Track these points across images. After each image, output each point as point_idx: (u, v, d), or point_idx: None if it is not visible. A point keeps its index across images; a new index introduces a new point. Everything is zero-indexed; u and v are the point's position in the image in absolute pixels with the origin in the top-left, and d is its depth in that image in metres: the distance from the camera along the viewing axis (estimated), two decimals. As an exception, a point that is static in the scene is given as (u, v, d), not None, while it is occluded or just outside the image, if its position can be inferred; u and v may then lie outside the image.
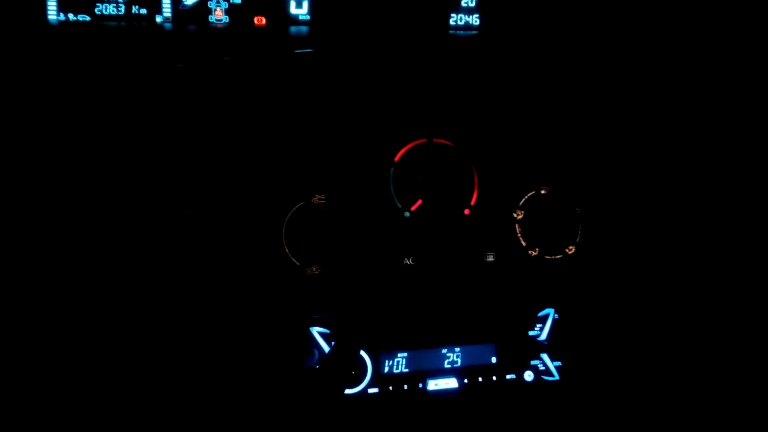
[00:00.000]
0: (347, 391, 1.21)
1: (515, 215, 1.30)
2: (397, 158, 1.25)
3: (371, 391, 1.23)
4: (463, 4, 1.47)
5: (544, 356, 1.30)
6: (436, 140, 1.26)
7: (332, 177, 1.23)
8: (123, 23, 1.38)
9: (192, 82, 1.24)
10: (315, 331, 1.21)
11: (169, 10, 1.38)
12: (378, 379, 1.23)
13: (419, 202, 1.25)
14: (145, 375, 1.20)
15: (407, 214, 1.25)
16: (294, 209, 1.20)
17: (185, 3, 1.39)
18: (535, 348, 1.30)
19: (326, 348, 1.21)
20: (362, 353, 1.21)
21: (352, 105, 1.27)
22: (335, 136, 1.24)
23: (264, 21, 1.41)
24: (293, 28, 1.40)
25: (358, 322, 1.22)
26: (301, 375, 1.22)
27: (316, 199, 1.22)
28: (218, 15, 1.40)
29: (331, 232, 1.21)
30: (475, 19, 1.48)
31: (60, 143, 1.20)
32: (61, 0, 1.35)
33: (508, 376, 1.29)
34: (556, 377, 1.30)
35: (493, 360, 1.28)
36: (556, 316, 1.31)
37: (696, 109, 1.33)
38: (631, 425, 1.32)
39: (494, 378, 1.28)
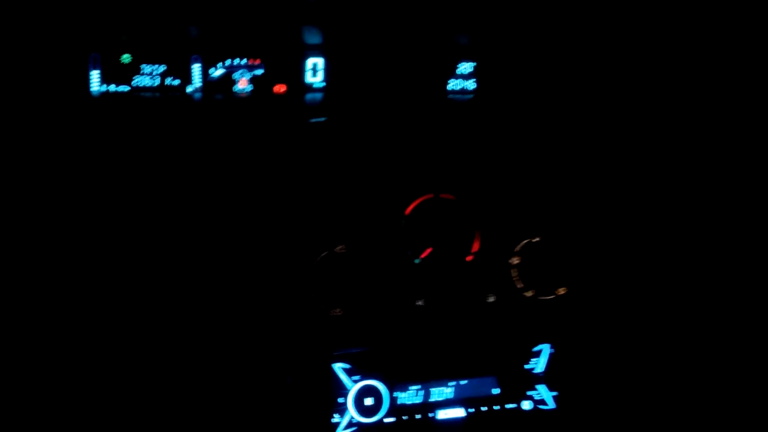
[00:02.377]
0: (365, 420, 1.28)
1: (512, 261, 1.38)
2: (407, 212, 1.33)
3: (387, 420, 1.30)
4: (458, 72, 1.56)
5: (541, 387, 1.37)
6: (441, 195, 1.34)
7: (352, 229, 1.31)
8: (158, 94, 1.44)
9: (221, 147, 1.32)
10: (337, 366, 1.29)
11: (199, 81, 1.45)
12: (393, 409, 1.30)
13: (428, 250, 1.33)
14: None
15: (417, 261, 1.33)
16: (319, 258, 1.28)
17: (212, 75, 1.46)
18: (533, 380, 1.37)
19: (349, 383, 1.28)
20: (379, 385, 1.28)
21: (366, 165, 1.35)
22: (354, 194, 1.33)
23: (284, 89, 1.49)
24: (309, 96, 1.49)
25: (377, 357, 1.30)
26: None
27: (338, 248, 1.29)
28: (242, 85, 1.47)
29: (352, 278, 1.29)
30: (471, 84, 1.59)
31: (102, 200, 1.26)
32: (103, 73, 1.40)
33: (508, 406, 1.36)
34: (553, 406, 1.37)
35: (495, 391, 1.35)
36: (552, 350, 1.38)
37: (677, 163, 1.43)
38: None
39: (496, 407, 1.36)
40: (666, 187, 1.43)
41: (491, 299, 1.37)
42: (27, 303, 1.22)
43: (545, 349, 1.39)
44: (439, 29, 1.52)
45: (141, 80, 1.45)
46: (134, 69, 1.44)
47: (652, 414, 1.41)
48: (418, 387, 1.32)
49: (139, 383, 1.24)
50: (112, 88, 1.44)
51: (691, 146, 1.43)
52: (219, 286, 1.26)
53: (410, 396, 1.32)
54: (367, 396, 1.29)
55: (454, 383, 1.34)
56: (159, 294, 1.25)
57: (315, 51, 1.50)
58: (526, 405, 1.38)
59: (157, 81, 1.46)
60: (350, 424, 1.29)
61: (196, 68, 1.47)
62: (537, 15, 1.47)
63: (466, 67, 1.57)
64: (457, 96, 1.57)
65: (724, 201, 1.42)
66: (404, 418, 1.32)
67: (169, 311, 1.25)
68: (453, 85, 1.57)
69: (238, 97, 1.48)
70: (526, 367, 1.38)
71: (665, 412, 1.41)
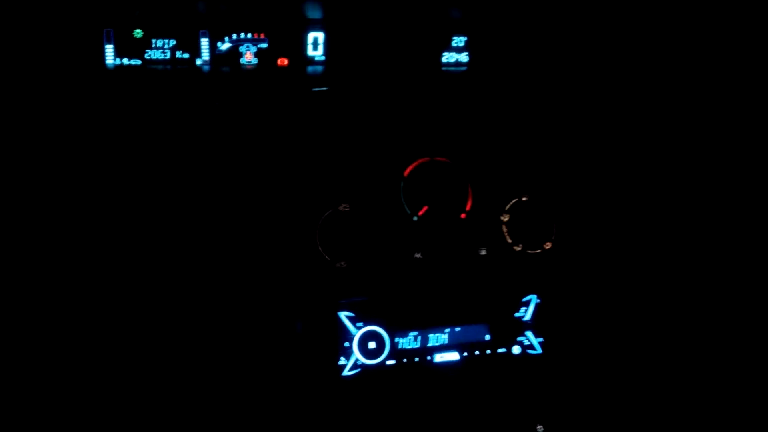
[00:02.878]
0: (369, 362, 1.38)
1: (502, 218, 1.45)
2: (406, 173, 1.41)
3: (389, 362, 1.40)
4: (453, 44, 1.62)
5: (529, 334, 1.47)
6: (437, 158, 1.42)
7: (355, 189, 1.39)
8: (168, 66, 1.49)
9: (230, 116, 1.38)
10: (343, 314, 1.39)
11: (207, 54, 1.50)
12: (394, 352, 1.40)
13: (425, 208, 1.41)
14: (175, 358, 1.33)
15: (415, 218, 1.41)
16: (325, 215, 1.37)
17: (220, 48, 1.50)
18: (521, 327, 1.47)
19: (353, 329, 1.38)
20: (381, 331, 1.38)
21: (366, 132, 1.42)
22: (356, 157, 1.40)
23: (286, 62, 1.55)
24: (310, 68, 1.53)
25: (378, 306, 1.40)
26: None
27: (342, 207, 1.37)
28: (248, 57, 1.52)
29: (355, 234, 1.37)
30: (464, 57, 1.68)
31: (114, 167, 1.32)
32: (117, 47, 1.46)
33: (500, 350, 1.46)
34: (539, 351, 1.48)
35: (487, 337, 1.45)
36: (538, 300, 1.47)
37: (662, 126, 1.50)
38: (601, 391, 1.48)
39: (488, 351, 1.45)
40: (648, 150, 1.50)
41: (483, 253, 1.45)
42: (35, 286, 1.28)
43: (532, 299, 1.48)
44: (433, 4, 1.56)
45: (153, 53, 1.50)
46: (146, 43, 1.49)
47: (630, 362, 1.51)
48: (417, 333, 1.41)
49: (158, 333, 1.32)
50: (126, 61, 1.50)
51: (677, 113, 1.50)
52: (235, 243, 1.34)
53: (409, 341, 1.41)
54: (371, 340, 1.39)
55: (449, 330, 1.43)
56: (178, 252, 1.33)
57: (316, 26, 1.55)
58: (516, 350, 1.47)
59: (168, 54, 1.51)
60: (355, 366, 1.39)
61: (205, 42, 1.52)
62: None
63: (458, 41, 1.63)
64: (452, 68, 1.62)
65: (704, 165, 1.50)
66: (404, 360, 1.41)
67: (189, 265, 1.33)
68: (447, 57, 1.62)
69: (244, 70, 1.53)
70: (516, 315, 1.47)
71: (642, 359, 1.51)
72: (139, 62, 1.50)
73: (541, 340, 1.48)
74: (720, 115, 1.50)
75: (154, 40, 1.50)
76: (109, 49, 1.47)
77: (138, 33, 1.49)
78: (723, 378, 1.49)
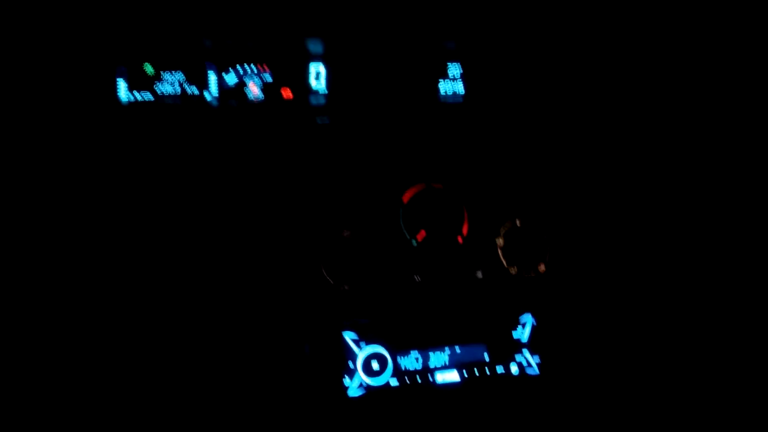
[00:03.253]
0: (372, 382, 1.42)
1: (497, 242, 1.51)
2: (404, 200, 1.46)
3: (392, 382, 1.44)
4: (449, 72, 1.67)
5: (526, 353, 1.51)
6: (434, 185, 1.47)
7: (356, 216, 1.44)
8: (178, 101, 1.56)
9: (238, 147, 1.44)
10: (347, 335, 1.43)
11: (216, 89, 1.56)
12: (397, 372, 1.44)
13: (423, 233, 1.46)
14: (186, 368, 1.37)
15: (414, 243, 1.46)
16: (328, 241, 1.42)
17: (228, 83, 1.58)
18: (518, 347, 1.50)
19: (357, 350, 1.43)
20: (383, 351, 1.43)
21: (366, 161, 1.47)
22: (357, 186, 1.45)
23: (291, 94, 1.62)
24: (313, 99, 1.59)
25: (381, 327, 1.43)
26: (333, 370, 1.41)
27: (345, 233, 1.42)
28: (254, 91, 1.60)
29: (357, 258, 1.43)
30: (460, 88, 1.72)
31: (129, 198, 1.38)
32: (129, 82, 1.53)
33: (499, 370, 1.49)
34: (536, 369, 1.51)
35: (486, 357, 1.49)
36: (534, 320, 1.51)
37: (641, 149, 1.56)
38: (596, 408, 1.51)
39: (487, 371, 1.49)
40: (639, 175, 1.56)
41: (480, 275, 1.50)
42: (62, 306, 1.33)
43: (528, 319, 1.52)
44: (428, 37, 1.64)
45: (163, 87, 1.57)
46: (156, 77, 1.57)
47: (623, 379, 1.54)
48: (418, 353, 1.46)
49: (170, 353, 1.37)
50: (138, 96, 1.56)
51: (665, 143, 1.56)
52: (244, 269, 1.39)
53: (411, 361, 1.45)
54: (374, 360, 1.43)
55: (449, 349, 1.47)
56: (191, 277, 1.38)
57: (317, 58, 1.62)
58: (514, 369, 1.51)
59: (179, 89, 1.57)
60: (360, 386, 1.43)
61: (212, 75, 1.59)
62: (518, 23, 1.61)
63: (453, 67, 1.69)
64: (448, 99, 1.69)
65: (689, 178, 1.55)
66: (407, 380, 1.45)
67: (201, 290, 1.38)
68: (444, 88, 1.69)
69: (250, 103, 1.60)
70: (513, 335, 1.51)
71: (634, 376, 1.54)
72: (150, 97, 1.56)
73: (537, 359, 1.52)
74: (708, 142, 1.57)
75: (163, 73, 1.57)
76: (122, 84, 1.54)
77: (148, 67, 1.55)
78: (719, 394, 1.52)
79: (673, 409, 1.52)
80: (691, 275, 1.56)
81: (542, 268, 1.53)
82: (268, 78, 1.61)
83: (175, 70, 1.58)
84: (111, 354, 1.35)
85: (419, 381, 1.46)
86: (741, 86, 1.55)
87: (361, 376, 1.43)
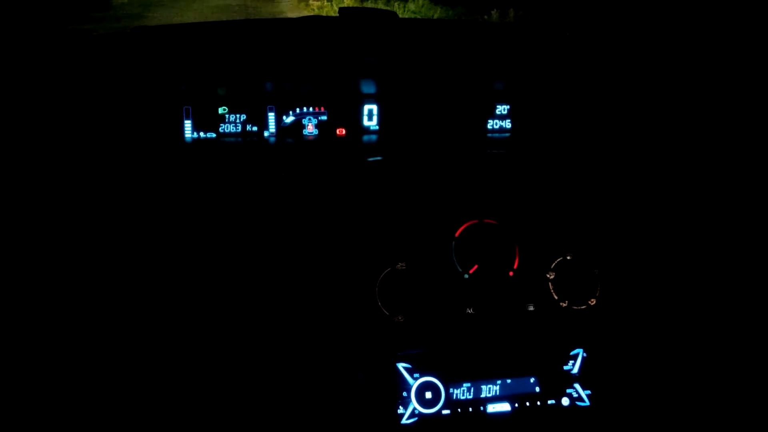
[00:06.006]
0: (425, 411, 1.45)
1: (548, 276, 1.54)
2: (457, 234, 1.51)
3: (444, 412, 1.47)
4: (497, 112, 1.78)
5: (577, 386, 1.52)
6: (486, 220, 1.52)
7: (410, 250, 1.49)
8: (239, 139, 1.67)
9: (294, 182, 1.50)
10: (401, 365, 1.48)
11: (274, 127, 1.68)
12: (449, 402, 1.47)
13: (475, 267, 1.50)
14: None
15: (467, 276, 1.50)
16: (383, 274, 1.47)
17: (285, 121, 1.69)
18: (570, 379, 1.52)
19: (411, 380, 1.47)
20: (436, 382, 1.46)
21: (419, 197, 1.52)
22: (411, 220, 1.51)
23: (344, 132, 1.73)
24: (366, 137, 1.70)
25: (434, 358, 1.47)
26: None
27: (399, 266, 1.47)
28: (310, 129, 1.72)
29: (411, 290, 1.47)
30: (507, 123, 1.82)
31: (190, 232, 1.46)
32: (194, 122, 1.66)
33: (549, 402, 1.51)
34: (587, 403, 1.52)
35: (537, 389, 1.51)
36: (585, 354, 1.53)
37: (695, 179, 1.58)
38: None
39: (538, 403, 1.50)
40: (689, 210, 1.58)
41: (531, 308, 1.53)
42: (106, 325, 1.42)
43: (579, 352, 1.54)
44: (477, 78, 1.73)
45: (226, 127, 1.69)
46: (220, 118, 1.69)
47: (676, 412, 1.54)
48: (470, 384, 1.49)
49: (231, 377, 1.44)
50: (202, 134, 1.68)
51: (715, 171, 1.59)
52: (303, 301, 1.46)
53: (463, 391, 1.49)
54: (427, 390, 1.47)
55: (500, 381, 1.50)
56: (253, 307, 1.46)
57: (370, 99, 1.72)
58: (565, 401, 1.53)
59: (240, 128, 1.70)
60: (413, 414, 1.47)
61: (271, 116, 1.71)
62: (563, 66, 1.68)
63: (502, 108, 1.78)
64: (496, 134, 1.77)
65: (746, 218, 1.56)
66: (459, 410, 1.48)
67: (262, 322, 1.46)
68: (492, 124, 1.78)
69: (306, 140, 1.70)
70: (564, 368, 1.53)
71: (685, 411, 1.55)
72: (213, 135, 1.68)
73: (589, 392, 1.53)
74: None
75: (227, 115, 1.69)
76: (188, 124, 1.67)
77: (223, 110, 1.68)
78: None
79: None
80: (746, 313, 1.55)
81: (593, 301, 1.55)
82: (324, 118, 1.71)
83: (240, 113, 1.70)
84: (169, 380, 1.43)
85: (470, 411, 1.49)
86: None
87: (415, 404, 1.47)
